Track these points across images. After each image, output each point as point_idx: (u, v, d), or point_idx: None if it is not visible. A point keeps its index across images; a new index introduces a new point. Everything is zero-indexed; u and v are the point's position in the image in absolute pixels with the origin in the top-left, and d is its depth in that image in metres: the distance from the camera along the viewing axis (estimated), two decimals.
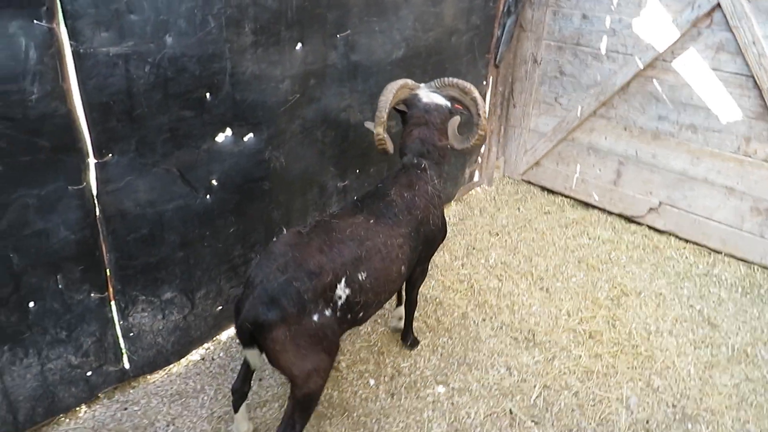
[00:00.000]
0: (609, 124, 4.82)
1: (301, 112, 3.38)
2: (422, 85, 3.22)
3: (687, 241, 4.70)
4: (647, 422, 3.09)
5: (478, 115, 3.09)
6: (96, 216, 2.71)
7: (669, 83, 4.39)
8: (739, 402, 3.21)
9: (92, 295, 2.85)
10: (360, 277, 2.57)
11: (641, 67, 4.43)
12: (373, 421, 3.07)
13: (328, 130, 3.60)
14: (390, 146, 3.07)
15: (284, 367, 2.40)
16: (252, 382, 2.88)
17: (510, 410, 3.15)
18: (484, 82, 4.80)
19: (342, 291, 2.49)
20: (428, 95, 3.14)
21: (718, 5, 3.97)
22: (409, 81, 3.14)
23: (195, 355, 3.47)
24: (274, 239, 2.58)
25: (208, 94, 2.86)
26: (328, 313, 2.44)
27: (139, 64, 2.57)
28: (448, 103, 3.17)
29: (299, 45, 3.18)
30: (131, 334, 3.09)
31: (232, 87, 2.94)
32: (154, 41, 2.57)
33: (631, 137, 4.73)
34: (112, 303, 2.96)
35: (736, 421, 3.09)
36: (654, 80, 4.46)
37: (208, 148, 2.98)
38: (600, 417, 3.12)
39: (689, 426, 3.07)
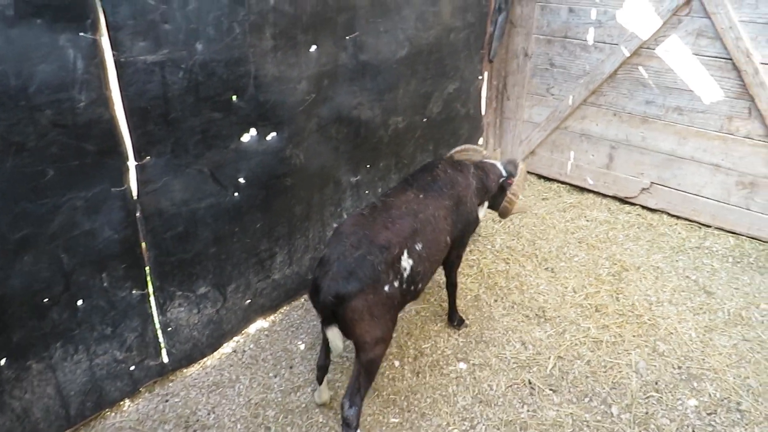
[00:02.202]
0: (599, 111, 5.07)
1: (317, 111, 3.56)
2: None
3: (678, 217, 4.95)
4: (656, 383, 3.31)
5: (518, 181, 3.56)
6: (136, 215, 2.87)
7: (654, 69, 4.64)
8: (738, 360, 3.45)
9: (134, 291, 3.00)
10: (418, 248, 2.83)
11: (627, 55, 4.68)
12: (402, 398, 3.26)
13: (341, 127, 3.79)
14: None
15: (358, 335, 2.59)
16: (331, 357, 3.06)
17: (529, 381, 3.36)
18: (480, 77, 5.01)
19: (406, 262, 2.75)
20: (490, 159, 3.72)
21: None
22: (486, 152, 3.82)
23: (227, 347, 3.63)
24: (340, 223, 2.89)
25: (234, 97, 3.04)
26: (396, 284, 2.69)
27: (173, 71, 2.74)
28: (502, 170, 3.69)
29: (313, 47, 3.37)
30: (169, 328, 3.25)
31: (255, 89, 3.12)
32: (186, 48, 2.75)
33: (621, 122, 4.98)
34: (152, 299, 3.12)
35: (737, 378, 3.32)
36: (640, 67, 4.70)
37: (235, 148, 3.15)
38: (612, 382, 3.34)
39: (695, 384, 3.30)
